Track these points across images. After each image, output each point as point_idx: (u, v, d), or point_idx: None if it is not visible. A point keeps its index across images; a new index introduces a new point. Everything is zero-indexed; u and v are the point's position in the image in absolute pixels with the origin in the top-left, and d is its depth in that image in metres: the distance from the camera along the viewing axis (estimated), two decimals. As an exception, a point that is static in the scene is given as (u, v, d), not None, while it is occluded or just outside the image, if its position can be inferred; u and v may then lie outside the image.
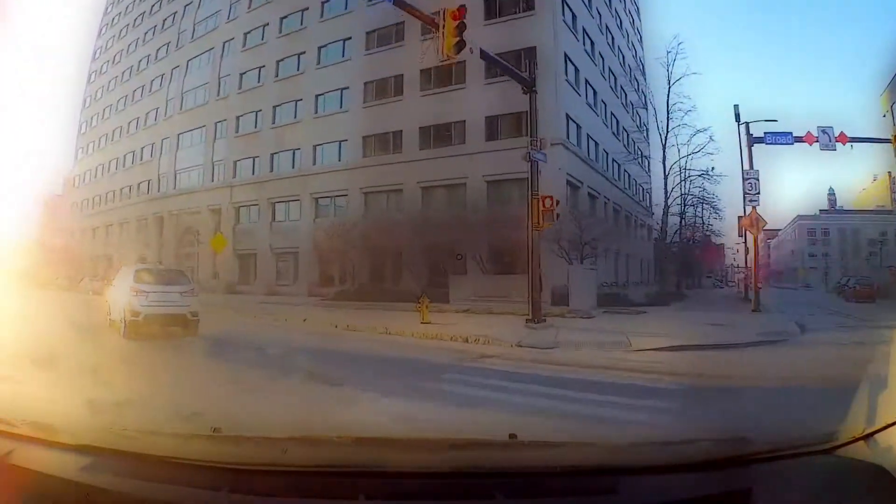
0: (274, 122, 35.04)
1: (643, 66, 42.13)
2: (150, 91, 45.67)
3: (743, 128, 25.15)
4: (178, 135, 41.77)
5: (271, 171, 34.72)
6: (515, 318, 16.36)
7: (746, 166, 24.82)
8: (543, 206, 15.96)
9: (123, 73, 50.01)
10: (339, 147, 31.90)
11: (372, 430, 3.93)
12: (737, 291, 40.55)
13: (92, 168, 54.10)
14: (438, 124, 28.44)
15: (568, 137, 27.02)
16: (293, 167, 33.61)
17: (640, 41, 43.23)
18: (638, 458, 2.09)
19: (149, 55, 46.78)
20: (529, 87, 16.24)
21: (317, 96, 33.03)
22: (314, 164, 32.74)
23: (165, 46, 44.69)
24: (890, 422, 1.71)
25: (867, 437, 1.78)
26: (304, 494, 1.71)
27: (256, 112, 35.87)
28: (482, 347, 11.80)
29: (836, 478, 1.76)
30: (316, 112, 33.05)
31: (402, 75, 29.55)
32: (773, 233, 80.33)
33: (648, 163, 40.86)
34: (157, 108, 44.59)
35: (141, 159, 46.42)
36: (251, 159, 35.88)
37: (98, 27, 57.19)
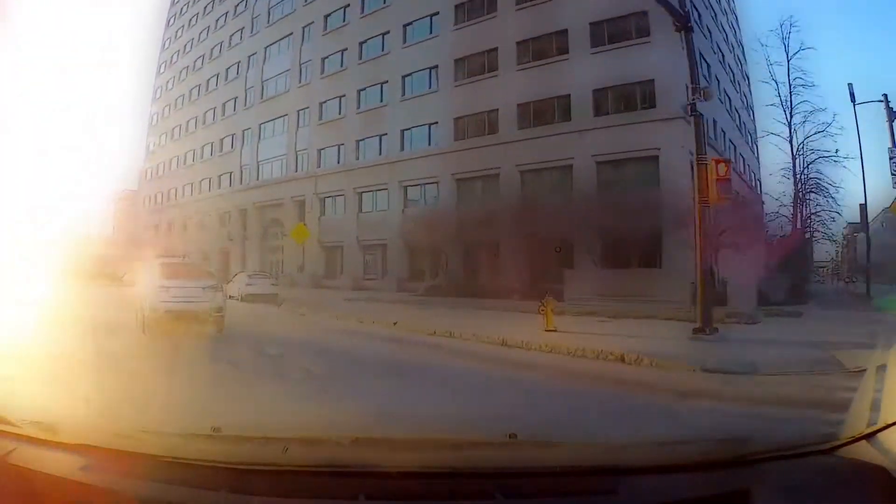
0: (359, 108, 33.32)
1: (743, 46, 37.73)
2: (226, 80, 45.04)
3: (879, 105, 21.90)
4: (260, 125, 40.85)
5: (357, 158, 33.03)
6: (661, 323, 13.55)
7: (889, 144, 21.12)
8: (717, 173, 12.34)
9: (195, 62, 49.60)
10: (429, 130, 29.72)
11: (372, 431, 3.52)
12: (844, 286, 36.79)
13: (166, 160, 53.71)
14: (539, 100, 25.64)
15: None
16: (380, 154, 31.74)
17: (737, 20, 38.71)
18: (638, 457, 2.05)
19: (222, 42, 46.08)
20: (684, 23, 13.10)
21: (403, 77, 30.99)
22: (402, 149, 30.78)
23: (239, 33, 43.85)
24: (890, 422, 1.72)
25: (867, 437, 1.77)
26: (304, 494, 1.70)
27: (340, 97, 34.24)
28: (652, 373, 8.67)
29: (836, 478, 1.75)
30: (403, 94, 31.04)
31: (497, 49, 26.89)
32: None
33: (757, 145, 36.60)
34: (235, 98, 43.90)
35: (220, 150, 45.92)
36: (336, 147, 34.37)
37: (166, 17, 56.70)
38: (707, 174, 12.19)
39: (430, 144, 29.41)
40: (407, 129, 30.60)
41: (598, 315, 15.60)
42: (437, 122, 29.13)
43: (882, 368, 1.95)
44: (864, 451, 1.74)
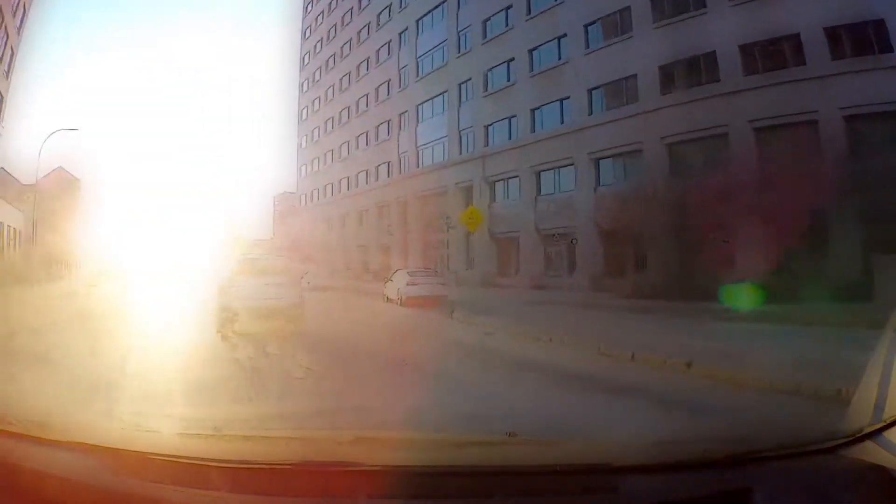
0: (532, 71, 27.98)
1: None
2: (377, 62, 42.61)
3: None
4: (417, 106, 37.24)
5: (532, 131, 27.68)
6: None
7: None
8: None
9: (342, 47, 47.88)
10: (623, 86, 23.58)
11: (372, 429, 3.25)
12: None
13: (320, 156, 52.49)
14: (769, 39, 19.50)
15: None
16: (561, 122, 26.13)
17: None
18: (638, 456, 1.98)
19: (368, 23, 43.68)
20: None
21: (586, 27, 25.12)
22: (590, 113, 24.98)
23: (387, 10, 41.08)
24: (890, 421, 1.75)
25: (868, 436, 1.79)
26: (304, 493, 1.69)
27: (508, 62, 29.29)
28: None
29: (837, 477, 1.76)
30: (587, 47, 25.19)
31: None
32: None
33: None
34: (387, 81, 41.35)
35: (377, 139, 43.65)
36: (506, 120, 29.76)
37: (302, 6, 55.49)
38: None
39: (626, 103, 23.24)
40: (594, 88, 24.93)
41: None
42: (634, 75, 22.98)
43: (885, 365, 1.97)
44: (866, 450, 1.76)
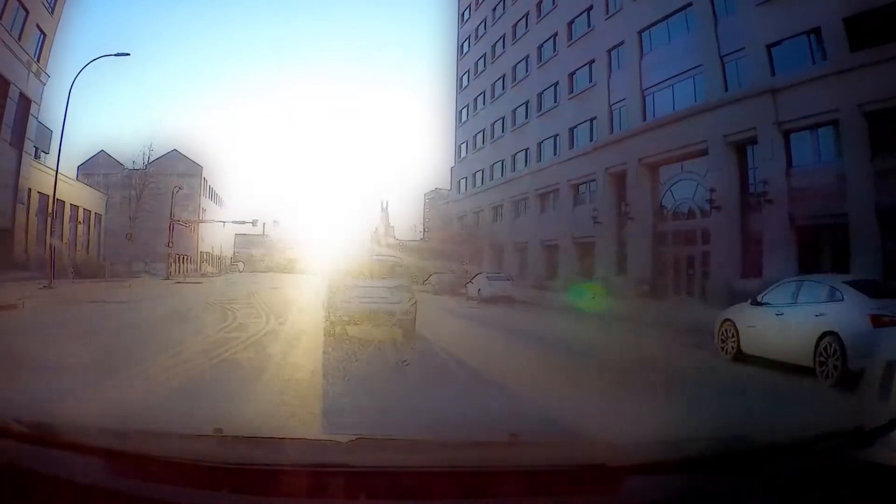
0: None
1: None
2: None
3: None
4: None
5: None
6: None
7: None
8: None
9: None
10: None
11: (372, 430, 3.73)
12: None
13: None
14: None
15: None
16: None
17: None
18: (638, 456, 2.01)
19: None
20: None
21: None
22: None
23: None
24: (890, 421, 1.82)
25: (868, 436, 1.85)
26: (304, 494, 1.72)
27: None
28: None
29: (837, 477, 1.79)
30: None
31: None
32: None
33: None
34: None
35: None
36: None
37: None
38: None
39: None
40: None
41: None
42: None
43: (888, 366, 2.02)
44: (864, 451, 1.81)
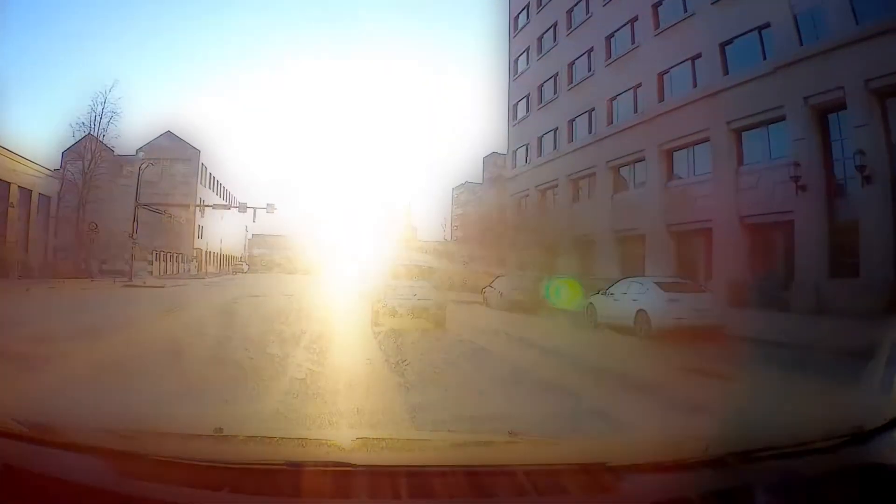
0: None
1: None
2: None
3: None
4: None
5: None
6: None
7: None
8: None
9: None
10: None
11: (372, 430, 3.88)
12: None
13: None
14: None
15: None
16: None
17: None
18: (638, 455, 2.05)
19: None
20: None
21: None
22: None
23: None
24: (890, 421, 1.78)
25: (868, 435, 1.82)
26: (305, 493, 1.71)
27: None
28: None
29: (837, 476, 1.77)
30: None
31: None
32: None
33: None
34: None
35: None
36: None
37: None
38: None
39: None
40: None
41: None
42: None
43: (886, 365, 2.01)
44: (866, 449, 1.79)
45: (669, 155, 25.36)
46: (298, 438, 2.50)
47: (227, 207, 51.87)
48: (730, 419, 4.41)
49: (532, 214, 35.89)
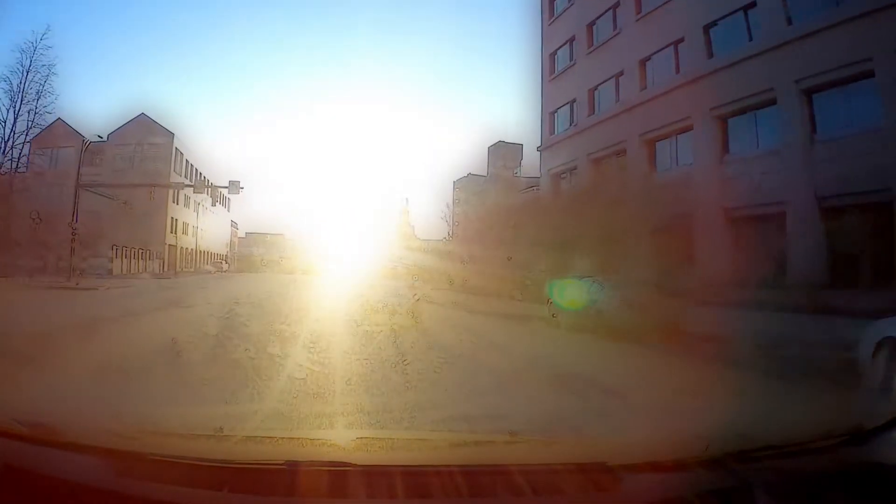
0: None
1: None
2: None
3: None
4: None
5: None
6: None
7: None
8: None
9: None
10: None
11: (372, 430, 3.91)
12: None
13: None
14: None
15: None
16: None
17: None
18: (638, 455, 2.05)
19: None
20: None
21: None
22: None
23: None
24: (890, 420, 1.81)
25: (867, 435, 1.84)
26: (305, 493, 1.72)
27: None
28: None
29: (837, 475, 1.79)
30: None
31: None
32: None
33: None
34: None
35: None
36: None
37: None
38: None
39: None
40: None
41: None
42: None
43: (886, 365, 2.03)
44: (863, 449, 1.81)
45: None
46: (298, 438, 2.51)
47: (184, 187, 47.03)
48: (729, 419, 4.31)
49: (584, 192, 25.28)
